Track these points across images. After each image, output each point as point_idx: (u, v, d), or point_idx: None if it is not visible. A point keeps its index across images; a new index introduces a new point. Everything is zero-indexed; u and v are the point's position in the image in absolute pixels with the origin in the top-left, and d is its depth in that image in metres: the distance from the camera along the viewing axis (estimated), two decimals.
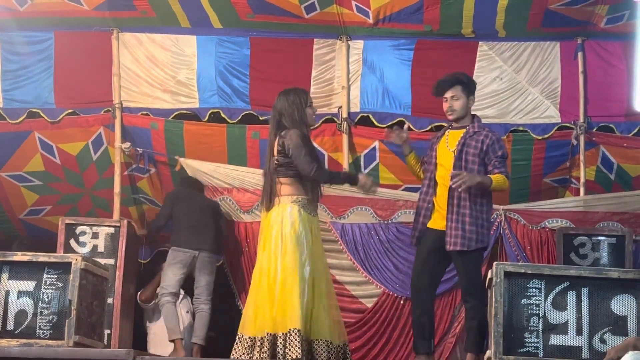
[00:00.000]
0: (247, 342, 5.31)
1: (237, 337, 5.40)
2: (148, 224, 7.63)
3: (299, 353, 5.14)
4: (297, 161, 5.47)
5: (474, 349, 5.78)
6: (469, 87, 6.00)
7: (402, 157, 7.62)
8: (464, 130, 5.91)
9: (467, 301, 5.85)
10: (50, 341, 5.31)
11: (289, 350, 5.16)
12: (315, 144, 7.57)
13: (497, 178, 5.72)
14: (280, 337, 5.23)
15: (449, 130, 6.03)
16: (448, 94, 5.93)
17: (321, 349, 5.32)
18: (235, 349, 5.35)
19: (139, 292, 7.64)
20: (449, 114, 5.96)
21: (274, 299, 5.31)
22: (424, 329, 5.88)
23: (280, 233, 5.43)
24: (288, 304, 5.28)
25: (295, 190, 5.55)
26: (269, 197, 5.60)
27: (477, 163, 5.79)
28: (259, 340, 5.27)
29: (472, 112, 6.11)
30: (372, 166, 7.71)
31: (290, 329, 5.22)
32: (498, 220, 7.18)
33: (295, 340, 5.17)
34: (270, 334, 5.26)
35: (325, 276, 5.57)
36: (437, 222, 5.87)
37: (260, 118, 7.65)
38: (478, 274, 5.88)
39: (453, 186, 5.62)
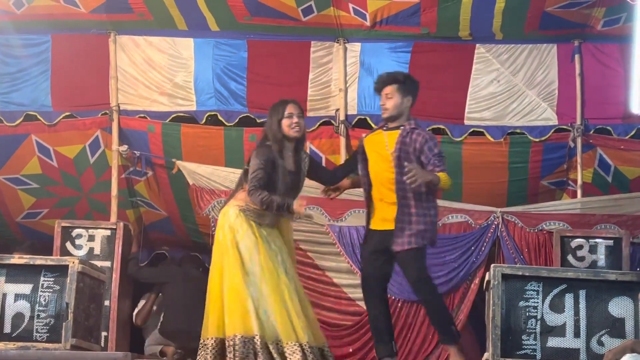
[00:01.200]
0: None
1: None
2: (131, 261, 7.54)
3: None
4: (250, 177, 5.54)
5: (449, 340, 5.67)
6: (406, 87, 5.83)
7: None
8: (399, 130, 5.77)
9: (419, 297, 5.80)
10: (47, 344, 5.31)
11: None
12: (312, 147, 7.61)
13: (442, 176, 5.58)
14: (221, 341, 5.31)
15: (384, 131, 5.87)
16: (384, 92, 5.82)
17: (291, 351, 5.29)
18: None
19: (134, 314, 7.64)
20: (382, 111, 5.86)
21: (218, 303, 5.38)
22: (381, 332, 5.79)
23: (219, 237, 5.52)
24: (228, 308, 5.35)
25: (244, 197, 5.59)
26: (228, 199, 5.73)
27: (414, 162, 5.65)
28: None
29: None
30: None
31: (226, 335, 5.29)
32: (495, 222, 7.18)
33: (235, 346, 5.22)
34: (217, 339, 5.32)
35: (279, 278, 5.46)
36: (377, 223, 5.80)
37: (258, 121, 7.64)
38: (424, 268, 5.73)
39: (407, 181, 5.46)
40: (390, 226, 5.68)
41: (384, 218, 5.75)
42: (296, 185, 5.70)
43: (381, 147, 5.83)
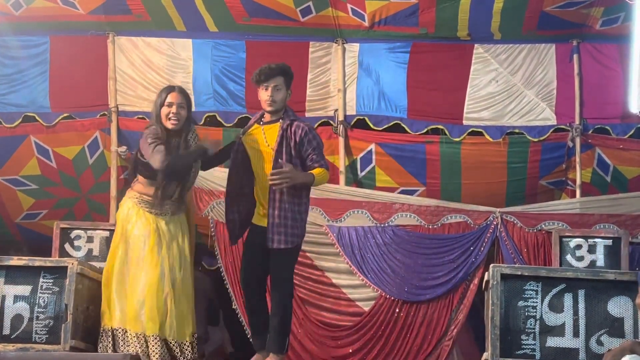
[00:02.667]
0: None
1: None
2: None
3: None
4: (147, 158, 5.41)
5: (274, 348, 5.55)
6: (289, 81, 5.71)
7: (399, 160, 7.67)
8: (278, 123, 5.64)
9: (274, 295, 5.62)
10: (46, 346, 5.31)
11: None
12: None
13: (318, 172, 5.50)
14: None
15: (260, 125, 5.73)
16: (271, 83, 5.62)
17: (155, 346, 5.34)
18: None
19: None
20: (269, 104, 5.65)
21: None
22: (257, 327, 5.70)
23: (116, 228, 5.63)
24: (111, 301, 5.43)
25: (141, 189, 5.59)
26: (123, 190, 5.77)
27: (294, 156, 5.56)
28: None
29: None
30: (368, 169, 7.71)
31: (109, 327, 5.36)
32: (494, 222, 7.18)
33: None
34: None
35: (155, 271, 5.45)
36: (257, 218, 5.72)
37: None
38: (291, 269, 5.72)
39: (272, 185, 5.43)
40: (265, 222, 5.59)
41: (262, 214, 5.67)
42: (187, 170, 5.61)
43: (260, 142, 5.68)
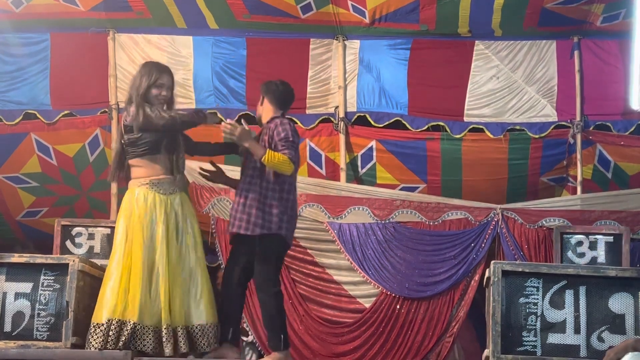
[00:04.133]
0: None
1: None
2: None
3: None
4: (149, 123, 5.30)
5: (272, 346, 5.53)
6: (266, 95, 5.82)
7: (400, 157, 7.67)
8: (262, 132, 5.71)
9: (258, 296, 5.61)
10: (47, 343, 5.30)
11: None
12: (312, 144, 7.62)
13: (275, 154, 5.39)
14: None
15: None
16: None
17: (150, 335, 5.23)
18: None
19: None
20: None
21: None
22: (228, 317, 5.57)
23: (124, 220, 5.40)
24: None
25: (144, 172, 5.42)
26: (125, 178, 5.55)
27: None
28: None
29: None
30: (369, 166, 7.72)
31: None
32: (495, 219, 7.18)
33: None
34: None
35: (168, 258, 5.33)
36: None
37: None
38: (270, 267, 5.54)
39: (223, 133, 5.43)
40: None
41: None
42: (175, 141, 5.49)
43: None
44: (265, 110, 5.76)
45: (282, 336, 5.51)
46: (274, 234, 5.48)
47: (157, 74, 5.42)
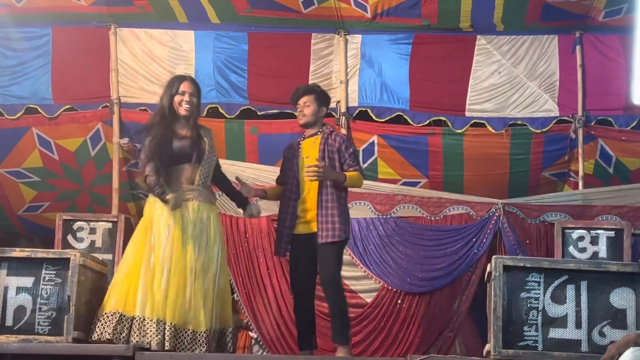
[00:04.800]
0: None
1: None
2: None
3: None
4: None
5: (340, 340, 5.80)
6: (321, 98, 6.08)
7: (401, 152, 7.68)
8: (317, 137, 5.99)
9: (326, 291, 5.89)
10: (49, 337, 5.30)
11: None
12: None
13: (351, 174, 5.88)
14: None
15: (301, 141, 6.08)
16: (301, 101, 6.03)
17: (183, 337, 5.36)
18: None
19: None
20: (301, 118, 6.05)
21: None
22: (306, 327, 5.96)
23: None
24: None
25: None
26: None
27: (334, 161, 5.93)
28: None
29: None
30: (370, 160, 7.71)
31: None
32: (497, 214, 7.18)
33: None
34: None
35: (183, 262, 5.44)
36: (300, 227, 5.93)
37: (259, 113, 7.65)
38: (339, 266, 5.92)
39: (306, 176, 5.79)
40: (308, 229, 5.90)
41: (304, 222, 5.93)
42: (192, 152, 5.58)
43: (302, 154, 6.01)
44: (314, 112, 6.02)
45: (349, 332, 5.94)
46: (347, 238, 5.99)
47: (178, 83, 5.68)
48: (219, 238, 5.62)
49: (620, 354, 3.19)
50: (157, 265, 5.41)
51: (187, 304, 5.38)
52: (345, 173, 5.88)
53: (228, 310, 5.62)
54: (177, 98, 5.64)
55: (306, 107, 6.02)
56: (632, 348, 3.19)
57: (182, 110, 5.63)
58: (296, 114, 6.11)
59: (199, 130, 5.67)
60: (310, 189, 5.90)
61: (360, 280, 7.22)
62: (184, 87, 5.65)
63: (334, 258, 5.86)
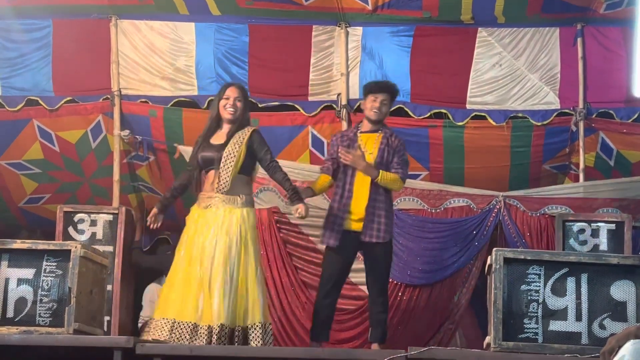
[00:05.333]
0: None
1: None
2: (134, 250, 7.55)
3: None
4: None
5: (380, 338, 6.01)
6: (394, 100, 6.28)
7: None
8: (378, 134, 6.09)
9: (373, 288, 6.06)
10: (50, 329, 5.31)
11: None
12: (314, 131, 7.62)
13: (390, 175, 5.99)
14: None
15: (359, 133, 6.14)
16: (380, 97, 6.09)
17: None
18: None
19: (140, 325, 7.71)
20: (375, 113, 6.09)
21: None
22: (324, 322, 6.06)
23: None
24: None
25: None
26: None
27: (389, 162, 6.06)
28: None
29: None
30: None
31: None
32: (497, 206, 7.18)
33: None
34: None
35: (200, 260, 5.61)
36: (350, 223, 6.00)
37: (260, 105, 7.64)
38: (388, 267, 6.12)
39: (340, 157, 5.95)
40: (355, 227, 6.00)
41: (354, 219, 6.01)
42: (216, 159, 5.74)
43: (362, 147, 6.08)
44: (387, 112, 6.21)
45: (386, 332, 6.08)
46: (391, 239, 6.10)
47: (225, 88, 5.92)
48: (237, 238, 5.65)
49: (620, 347, 3.19)
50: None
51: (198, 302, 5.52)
52: (382, 171, 5.95)
53: (247, 306, 5.61)
54: (222, 102, 5.83)
55: (384, 105, 6.10)
56: (632, 340, 3.19)
57: (226, 113, 5.82)
58: (367, 104, 6.12)
59: (235, 133, 5.78)
60: (363, 184, 5.99)
61: (360, 273, 7.15)
62: (229, 92, 5.85)
63: (383, 258, 6.01)
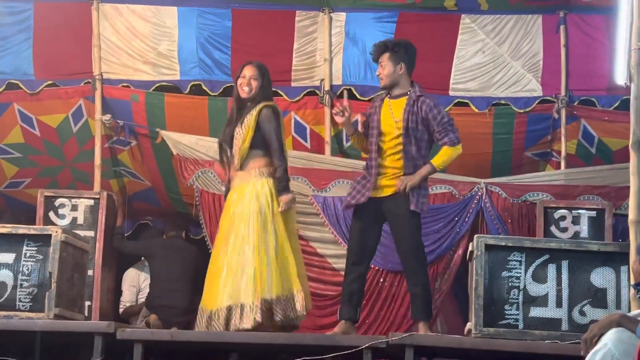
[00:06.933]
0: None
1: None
2: (116, 236, 7.52)
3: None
4: None
5: (422, 316, 5.73)
6: (398, 54, 5.87)
7: None
8: (405, 98, 5.84)
9: (410, 264, 5.79)
10: (30, 313, 5.29)
11: None
12: (297, 117, 7.61)
13: (442, 155, 5.75)
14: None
15: (388, 99, 5.91)
16: (382, 61, 5.89)
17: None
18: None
19: (123, 309, 7.71)
20: (382, 79, 5.92)
21: None
22: (353, 294, 5.83)
23: None
24: None
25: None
26: None
27: (422, 132, 5.77)
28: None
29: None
30: None
31: None
32: (479, 193, 7.19)
33: None
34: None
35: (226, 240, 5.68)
36: (379, 190, 5.79)
37: None
38: (420, 236, 5.87)
39: (400, 190, 5.64)
40: (385, 193, 5.75)
41: (383, 185, 5.78)
42: (231, 137, 5.81)
43: (387, 116, 5.86)
44: (389, 73, 5.85)
45: (432, 306, 5.86)
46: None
47: (242, 67, 5.90)
48: (247, 216, 5.64)
49: (602, 334, 3.18)
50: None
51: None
52: (433, 161, 5.71)
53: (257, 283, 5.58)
54: (239, 81, 5.85)
55: (387, 66, 5.85)
56: (614, 329, 3.18)
57: (242, 92, 5.82)
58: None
59: (247, 112, 5.77)
60: (389, 150, 5.77)
61: (342, 259, 7.15)
62: (245, 70, 5.85)
63: (415, 227, 5.76)
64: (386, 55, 5.88)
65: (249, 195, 5.66)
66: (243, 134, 5.73)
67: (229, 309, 5.49)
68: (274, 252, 5.58)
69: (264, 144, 5.74)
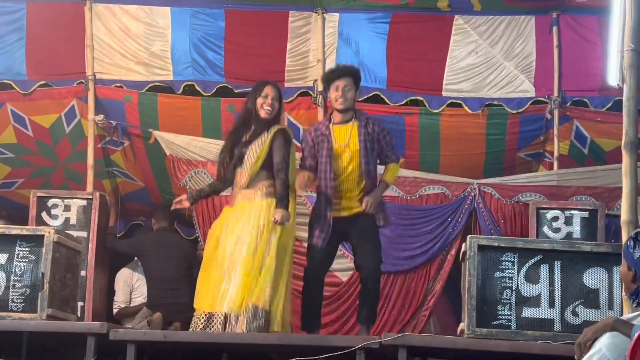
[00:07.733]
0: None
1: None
2: (108, 236, 7.51)
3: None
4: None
5: (371, 320, 5.89)
6: (358, 82, 5.92)
7: None
8: (352, 123, 5.82)
9: (373, 277, 5.84)
10: (23, 314, 5.28)
11: None
12: (290, 118, 7.61)
13: (392, 171, 5.91)
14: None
15: (332, 125, 5.86)
16: (341, 83, 5.80)
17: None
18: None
19: (117, 310, 7.70)
20: (340, 102, 5.80)
21: None
22: (317, 306, 5.99)
23: None
24: None
25: None
26: None
27: (375, 150, 5.83)
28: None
29: None
30: None
31: None
32: (472, 194, 7.20)
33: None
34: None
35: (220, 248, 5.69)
36: (340, 211, 5.82)
37: (235, 91, 7.61)
38: (379, 244, 5.92)
39: (367, 211, 5.70)
40: (345, 213, 5.81)
41: (343, 206, 5.83)
42: (242, 156, 5.75)
43: (339, 141, 5.83)
44: (353, 97, 5.87)
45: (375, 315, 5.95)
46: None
47: (262, 86, 5.82)
48: (255, 230, 5.64)
49: (597, 339, 3.17)
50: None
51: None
52: (384, 177, 5.86)
53: (246, 291, 5.58)
54: (259, 100, 5.77)
55: (348, 90, 5.79)
56: (609, 333, 3.16)
57: (263, 112, 5.76)
58: (331, 95, 5.83)
59: (263, 132, 5.74)
60: (345, 174, 5.79)
61: (337, 259, 7.21)
62: (268, 90, 5.79)
63: (379, 242, 5.88)
64: (351, 80, 5.85)
65: (249, 212, 5.67)
66: (257, 153, 5.71)
67: (226, 316, 5.51)
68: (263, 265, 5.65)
69: (272, 165, 5.74)
